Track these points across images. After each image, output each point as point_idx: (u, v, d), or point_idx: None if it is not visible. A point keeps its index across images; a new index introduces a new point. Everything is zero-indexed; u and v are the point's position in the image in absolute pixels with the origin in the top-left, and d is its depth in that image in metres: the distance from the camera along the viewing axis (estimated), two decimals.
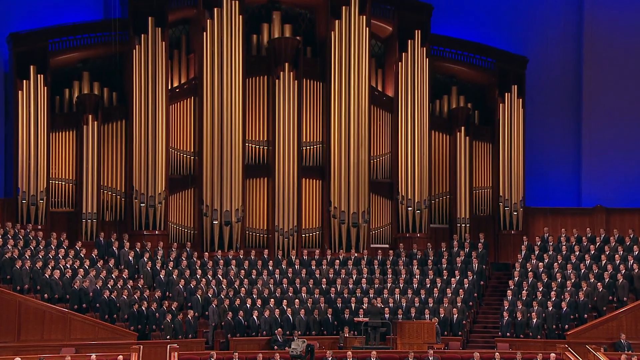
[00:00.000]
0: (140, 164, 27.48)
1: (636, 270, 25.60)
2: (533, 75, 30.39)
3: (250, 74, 28.45)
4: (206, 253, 27.09)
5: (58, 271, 24.07)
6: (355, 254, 27.85)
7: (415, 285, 26.52)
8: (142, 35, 27.57)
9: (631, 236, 26.97)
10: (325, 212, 28.70)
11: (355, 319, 25.08)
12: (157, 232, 27.39)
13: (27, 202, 26.75)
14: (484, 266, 27.60)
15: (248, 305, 25.02)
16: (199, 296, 25.00)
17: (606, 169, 30.80)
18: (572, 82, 31.29)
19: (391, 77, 29.66)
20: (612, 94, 30.94)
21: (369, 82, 28.86)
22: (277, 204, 28.16)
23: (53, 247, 25.22)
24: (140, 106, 27.55)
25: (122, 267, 25.72)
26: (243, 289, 25.55)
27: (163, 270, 25.68)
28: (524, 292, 25.77)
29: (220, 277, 25.98)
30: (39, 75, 27.02)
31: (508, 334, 24.99)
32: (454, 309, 25.48)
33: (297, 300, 25.43)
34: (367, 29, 28.80)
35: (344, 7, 28.62)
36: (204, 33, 27.89)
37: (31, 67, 26.98)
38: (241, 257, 26.96)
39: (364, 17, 28.74)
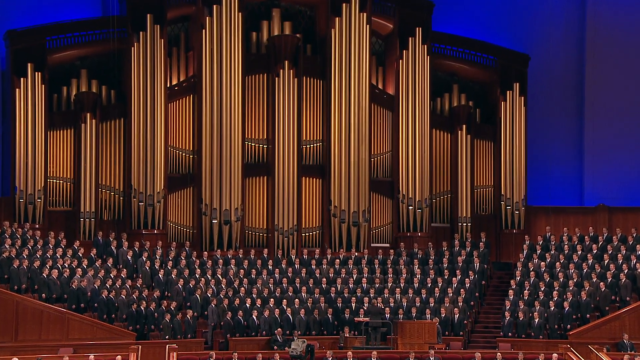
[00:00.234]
0: (138, 163, 27.48)
1: (639, 270, 25.59)
2: (535, 73, 30.39)
3: (250, 72, 28.44)
4: (205, 252, 27.09)
5: (56, 271, 24.06)
6: (356, 254, 27.84)
7: (416, 285, 26.52)
8: (141, 32, 27.56)
9: (634, 235, 26.97)
10: (326, 211, 28.69)
11: (355, 318, 25.07)
12: (155, 231, 27.38)
13: (25, 201, 26.74)
14: (485, 265, 27.60)
15: (247, 305, 25.01)
16: (198, 296, 24.99)
17: (609, 168, 30.79)
18: (575, 80, 31.27)
19: (392, 75, 29.65)
20: (614, 92, 30.93)
21: (369, 80, 28.84)
22: (277, 203, 28.15)
23: (51, 247, 25.21)
24: (139, 104, 27.54)
25: (121, 266, 25.71)
26: (242, 288, 25.55)
27: (162, 270, 25.68)
28: (525, 291, 25.76)
29: (219, 276, 25.97)
30: (36, 73, 27.01)
31: (510, 334, 24.98)
32: (455, 309, 25.48)
33: (297, 300, 25.42)
34: (368, 26, 28.79)
35: (344, 4, 28.60)
36: (203, 30, 27.88)
37: (29, 64, 26.97)
38: (240, 256, 26.95)
39: (365, 14, 28.73)
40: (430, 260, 27.46)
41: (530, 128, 30.10)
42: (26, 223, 26.43)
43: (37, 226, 26.59)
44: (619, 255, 26.26)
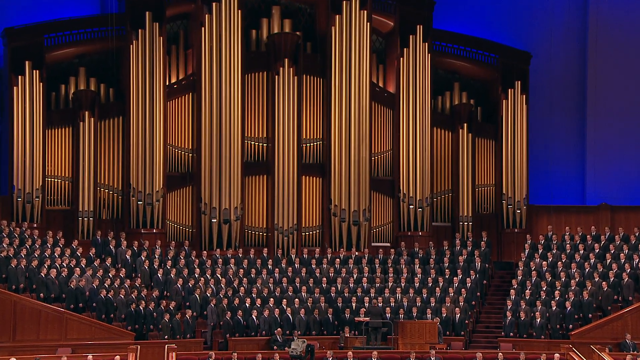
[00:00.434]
0: (137, 161, 27.46)
1: None
2: (537, 71, 30.38)
3: (249, 70, 28.42)
4: (204, 252, 27.07)
5: (54, 270, 24.04)
6: (356, 253, 27.83)
7: (416, 285, 26.50)
8: (140, 30, 27.53)
9: (636, 234, 26.95)
10: (326, 210, 28.68)
11: (356, 318, 25.05)
12: (154, 231, 27.36)
13: (23, 200, 26.72)
14: (486, 265, 27.58)
15: (247, 305, 24.99)
16: (197, 295, 24.97)
17: (611, 166, 30.79)
18: (577, 78, 31.27)
19: (392, 73, 29.63)
20: (617, 90, 30.93)
21: (369, 78, 28.83)
22: (277, 202, 28.13)
23: (49, 246, 25.19)
24: (138, 102, 27.51)
25: (119, 266, 25.70)
26: (242, 288, 25.53)
27: (161, 269, 25.66)
28: (527, 291, 25.75)
29: (218, 276, 25.96)
30: (34, 71, 26.99)
31: (511, 334, 24.97)
32: (456, 309, 25.46)
33: (297, 299, 25.41)
34: (368, 24, 28.77)
35: (344, 1, 28.59)
36: (202, 28, 27.86)
37: (27, 62, 26.95)
38: (240, 255, 26.94)
39: (365, 11, 28.70)
40: (431, 260, 27.45)
41: (531, 126, 30.10)
42: (24, 222, 26.41)
43: (35, 225, 26.57)
44: (621, 254, 26.24)
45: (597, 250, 26.72)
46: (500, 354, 23.23)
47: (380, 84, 29.81)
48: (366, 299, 25.62)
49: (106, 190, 27.75)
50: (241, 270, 26.27)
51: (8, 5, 28.19)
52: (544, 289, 25.63)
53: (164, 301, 24.75)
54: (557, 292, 25.33)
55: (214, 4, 27.82)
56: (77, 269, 24.51)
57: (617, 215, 29.55)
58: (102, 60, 28.30)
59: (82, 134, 27.32)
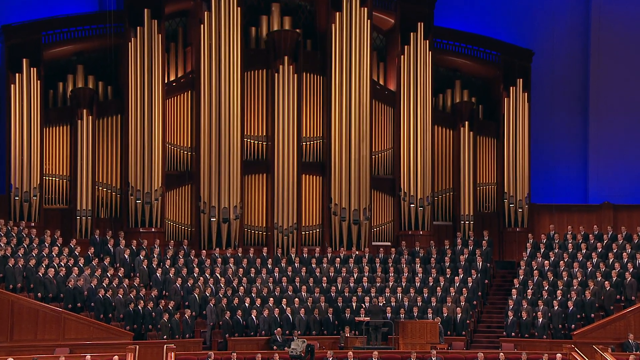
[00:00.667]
0: (136, 160, 27.44)
1: None
2: (539, 68, 30.35)
3: (249, 68, 28.40)
4: (204, 251, 27.06)
5: (52, 269, 24.02)
6: (357, 252, 27.81)
7: (417, 284, 26.49)
8: (138, 27, 27.52)
9: (639, 233, 26.91)
10: (326, 209, 28.66)
11: (356, 318, 25.04)
12: (153, 230, 27.35)
13: (20, 199, 26.71)
14: (488, 264, 27.56)
15: (247, 305, 24.98)
16: (196, 295, 24.96)
17: (614, 165, 30.77)
18: (579, 76, 31.25)
19: (393, 71, 29.61)
20: (620, 88, 30.91)
21: (370, 75, 28.81)
22: (277, 201, 28.11)
23: (47, 245, 25.17)
24: (136, 100, 27.50)
25: (118, 265, 25.68)
26: (241, 287, 25.52)
27: (159, 269, 25.65)
28: (529, 290, 25.73)
29: (218, 275, 25.94)
30: (32, 69, 26.98)
31: (513, 333, 24.95)
32: (458, 308, 25.45)
33: (296, 299, 25.39)
34: (369, 21, 28.75)
35: None
36: (202, 25, 27.83)
37: (24, 60, 26.93)
38: (239, 255, 26.92)
39: (366, 9, 28.68)
40: (432, 259, 27.43)
41: (533, 125, 30.08)
42: (22, 221, 26.40)
43: (33, 224, 26.56)
44: (624, 253, 26.22)
45: (599, 250, 26.71)
46: (502, 354, 23.21)
47: (381, 82, 29.80)
48: (367, 298, 25.60)
49: (104, 189, 27.74)
50: (240, 269, 26.25)
51: (5, 3, 28.19)
52: (546, 288, 25.62)
53: (163, 301, 24.73)
54: (559, 291, 25.31)
55: (213, 1, 27.80)
56: (75, 268, 24.49)
57: (620, 214, 29.54)
58: (101, 58, 28.28)
59: (80, 132, 27.31)
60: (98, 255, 25.72)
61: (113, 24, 27.62)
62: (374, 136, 29.14)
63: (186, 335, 24.09)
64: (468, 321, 25.60)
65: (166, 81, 28.00)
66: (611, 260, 26.10)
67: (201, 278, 25.58)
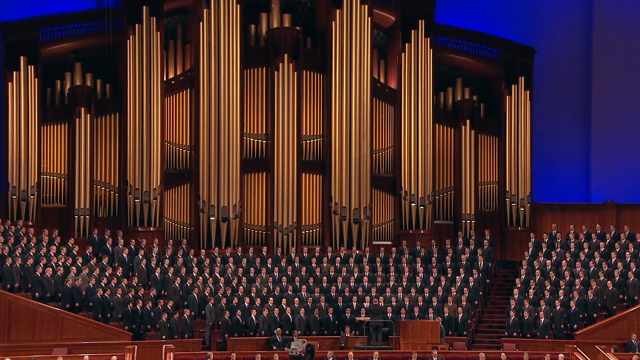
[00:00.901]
0: (134, 158, 27.43)
1: None
2: (541, 66, 30.34)
3: (249, 65, 28.39)
4: (203, 250, 27.05)
5: (50, 269, 24.02)
6: (357, 251, 27.80)
7: (418, 284, 26.48)
8: (137, 25, 27.51)
9: None
10: (326, 208, 28.65)
11: (356, 318, 25.04)
12: (152, 229, 27.34)
13: (18, 198, 26.70)
14: (489, 264, 27.55)
15: (246, 304, 24.97)
16: (195, 295, 24.95)
17: (616, 164, 30.76)
18: (582, 73, 31.23)
19: (394, 69, 29.60)
20: (622, 86, 30.89)
21: (371, 73, 28.79)
22: (276, 200, 28.10)
23: (44, 244, 25.16)
24: (135, 98, 27.49)
25: (116, 264, 25.67)
26: (241, 287, 25.51)
27: (158, 268, 25.64)
28: (531, 290, 25.72)
29: (217, 275, 25.93)
30: (29, 67, 26.97)
31: (515, 333, 24.95)
32: (459, 308, 25.44)
33: (296, 299, 25.39)
34: (369, 18, 28.73)
35: None
36: (201, 23, 27.82)
37: (21, 57, 26.93)
38: (239, 254, 26.91)
39: (366, 6, 28.66)
40: (433, 259, 27.42)
41: (535, 123, 30.07)
42: (19, 220, 26.39)
43: (31, 223, 26.55)
44: (627, 253, 26.21)
45: (602, 249, 26.70)
46: (504, 354, 23.20)
47: (382, 80, 29.79)
48: (367, 298, 25.60)
49: (103, 188, 27.74)
50: (240, 269, 26.25)
51: (2, 0, 28.14)
52: (548, 288, 25.61)
53: (162, 300, 24.72)
54: (561, 291, 25.30)
55: None
56: (73, 267, 24.49)
57: (623, 213, 29.53)
58: (99, 56, 28.27)
59: (78, 130, 27.30)
60: (96, 255, 25.71)
61: (111, 21, 27.61)
62: (375, 134, 29.13)
63: (185, 336, 24.09)
64: (469, 321, 25.59)
65: (165, 79, 27.99)
66: (614, 259, 26.09)
67: (200, 277, 25.58)
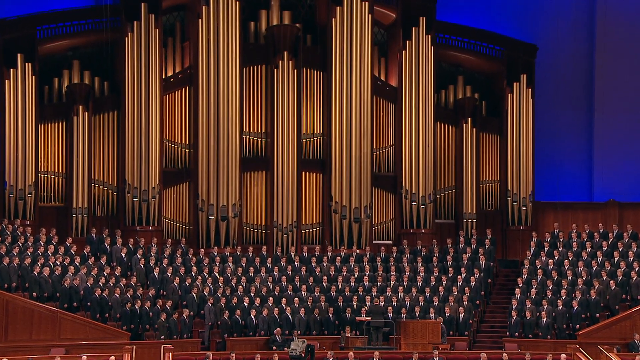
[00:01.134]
0: (133, 157, 27.42)
1: None
2: (543, 64, 30.34)
3: (248, 63, 28.37)
4: (202, 249, 27.05)
5: (47, 268, 24.01)
6: (357, 251, 27.80)
7: (419, 283, 26.48)
8: (135, 22, 27.48)
9: None
10: (326, 207, 28.65)
11: (357, 318, 25.05)
12: (150, 228, 27.34)
13: (15, 197, 26.69)
14: (491, 263, 27.56)
15: (245, 304, 24.97)
16: (194, 294, 24.95)
17: (619, 162, 30.75)
18: (584, 71, 31.22)
19: (395, 66, 29.59)
20: (625, 83, 30.89)
21: (371, 71, 28.78)
22: (276, 199, 28.10)
23: (42, 244, 25.16)
24: (133, 96, 27.47)
25: (114, 264, 25.67)
26: (240, 287, 25.51)
27: (157, 268, 25.63)
28: (533, 290, 25.73)
29: (216, 274, 25.93)
30: (26, 64, 26.95)
31: (516, 333, 24.96)
32: (460, 308, 25.44)
33: (296, 298, 25.39)
34: (370, 15, 28.72)
35: None
36: (200, 20, 27.80)
37: (19, 55, 26.91)
38: (238, 253, 26.91)
39: (366, 3, 28.64)
40: (434, 258, 27.42)
41: (537, 121, 30.07)
42: (16, 219, 26.38)
43: (28, 222, 26.55)
44: (630, 252, 26.22)
45: (604, 248, 26.69)
46: (505, 354, 23.21)
47: (382, 78, 29.77)
48: (368, 298, 25.61)
49: (101, 187, 27.73)
50: (239, 268, 26.24)
51: None
52: (550, 287, 25.61)
53: (160, 300, 24.73)
54: (563, 291, 25.31)
55: None
56: (71, 267, 24.48)
57: (626, 212, 29.52)
58: (97, 53, 28.26)
59: (76, 128, 27.29)
60: (94, 254, 25.72)
61: (109, 19, 27.60)
62: (375, 133, 29.13)
63: (184, 336, 24.09)
64: (471, 321, 25.59)
65: (163, 77, 27.97)
66: (617, 259, 26.10)
67: (199, 277, 25.57)
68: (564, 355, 22.74)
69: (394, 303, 25.62)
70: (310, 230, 28.68)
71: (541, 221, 29.74)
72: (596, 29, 31.06)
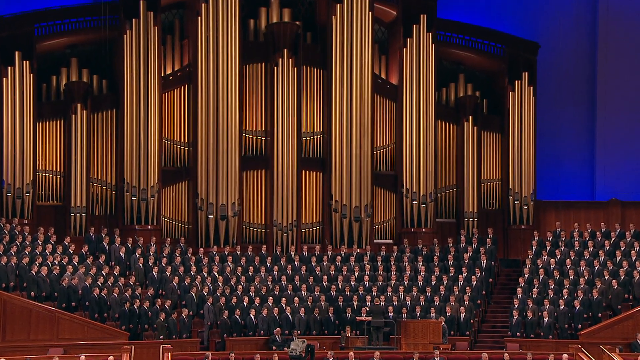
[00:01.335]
0: (131, 155, 27.41)
1: None
2: (545, 61, 30.32)
3: (247, 61, 28.37)
4: (201, 249, 27.04)
5: (45, 268, 24.00)
6: (358, 250, 27.80)
7: (420, 283, 26.48)
8: (134, 19, 27.47)
9: None
10: (326, 206, 28.64)
11: (357, 318, 25.05)
12: (149, 227, 27.33)
13: (13, 196, 26.68)
14: (492, 262, 27.56)
15: (245, 304, 24.97)
16: (193, 294, 24.94)
17: (621, 160, 30.75)
18: (586, 69, 31.21)
19: (395, 64, 29.58)
20: (628, 81, 30.88)
21: (372, 69, 28.76)
22: (276, 197, 28.09)
23: (40, 243, 25.15)
24: (132, 94, 27.46)
25: (113, 263, 25.66)
26: (240, 286, 25.51)
27: (156, 267, 25.63)
28: (534, 289, 25.72)
29: (215, 274, 25.93)
30: (24, 62, 26.95)
31: (518, 333, 24.95)
32: (461, 308, 25.44)
33: (296, 298, 25.39)
34: (370, 13, 28.70)
35: None
36: (199, 17, 27.79)
37: (16, 53, 26.91)
38: (238, 253, 26.91)
39: (367, 0, 28.62)
40: (435, 257, 27.41)
41: (539, 119, 30.06)
42: (14, 218, 26.38)
43: (26, 221, 26.55)
44: (632, 251, 26.22)
45: (607, 247, 26.68)
46: (507, 354, 23.21)
47: (383, 76, 29.77)
48: (368, 297, 25.61)
49: (99, 185, 27.72)
50: (239, 267, 26.24)
51: None
52: (552, 287, 25.61)
53: (159, 300, 24.72)
54: (565, 290, 25.31)
55: None
56: (69, 266, 24.47)
57: (628, 211, 29.50)
58: (95, 51, 28.25)
59: (74, 126, 27.29)
60: (93, 253, 25.72)
61: (108, 16, 27.59)
62: (376, 131, 29.12)
63: (183, 335, 24.09)
64: (472, 321, 25.59)
65: (162, 75, 27.96)
66: (619, 258, 26.09)
67: (198, 277, 25.57)
68: (565, 355, 22.73)
69: (395, 303, 25.62)
70: (310, 229, 28.67)
71: (543, 220, 29.73)
72: (598, 27, 31.04)
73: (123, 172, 27.46)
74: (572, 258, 26.60)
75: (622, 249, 26.49)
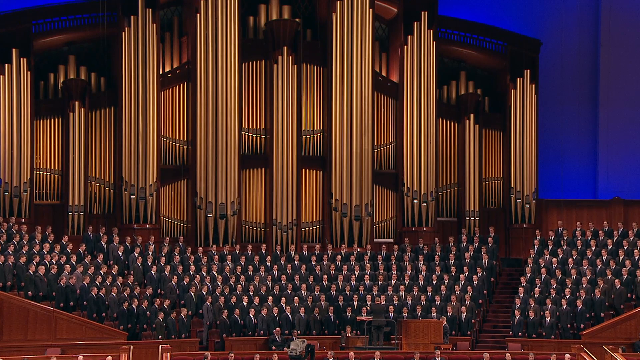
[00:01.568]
0: (130, 154, 27.40)
1: None
2: (547, 59, 30.32)
3: (247, 58, 28.35)
4: (200, 248, 27.04)
5: (43, 267, 24.02)
6: (358, 249, 27.80)
7: (421, 282, 26.48)
8: (132, 16, 27.46)
9: None
10: (326, 205, 28.64)
11: (357, 317, 25.06)
12: (148, 226, 27.33)
13: (10, 194, 26.68)
14: (494, 262, 27.56)
15: (244, 303, 24.97)
16: (192, 293, 24.95)
17: (624, 159, 30.75)
18: (588, 66, 31.20)
19: (396, 62, 29.57)
20: (630, 79, 30.88)
21: (372, 66, 28.75)
22: (275, 196, 28.08)
23: (38, 242, 25.16)
24: (130, 92, 27.45)
25: (111, 262, 25.67)
26: (239, 286, 25.51)
27: (154, 266, 25.63)
28: (536, 289, 25.73)
29: (215, 273, 25.93)
30: (21, 59, 26.93)
31: (520, 333, 24.95)
32: (463, 307, 25.44)
33: (296, 297, 25.39)
34: (371, 10, 28.69)
35: None
36: (198, 14, 27.78)
37: (13, 50, 26.90)
38: (237, 252, 26.92)
39: None
40: (436, 256, 27.42)
41: (541, 117, 30.06)
42: (11, 217, 26.37)
43: (23, 220, 26.54)
44: (635, 250, 26.22)
45: (609, 247, 26.69)
46: (508, 354, 23.22)
47: (383, 73, 29.75)
48: (368, 297, 25.61)
49: (97, 184, 27.72)
50: (238, 267, 26.24)
51: None
52: (554, 286, 25.61)
53: (158, 299, 24.73)
54: (567, 290, 25.31)
55: None
56: (67, 265, 24.48)
57: (631, 210, 29.51)
58: (93, 48, 28.25)
59: (72, 125, 27.28)
60: (91, 253, 25.72)
61: (106, 13, 27.58)
62: (376, 129, 29.11)
63: (182, 335, 24.09)
64: (473, 320, 25.60)
65: (161, 72, 27.95)
66: (622, 257, 26.10)
67: (197, 276, 25.57)
68: (568, 355, 22.73)
69: (395, 302, 25.62)
70: (310, 228, 28.67)
71: (545, 219, 29.74)
72: (601, 24, 31.03)
73: (121, 171, 27.46)
74: (574, 257, 26.60)
75: (625, 248, 26.50)
